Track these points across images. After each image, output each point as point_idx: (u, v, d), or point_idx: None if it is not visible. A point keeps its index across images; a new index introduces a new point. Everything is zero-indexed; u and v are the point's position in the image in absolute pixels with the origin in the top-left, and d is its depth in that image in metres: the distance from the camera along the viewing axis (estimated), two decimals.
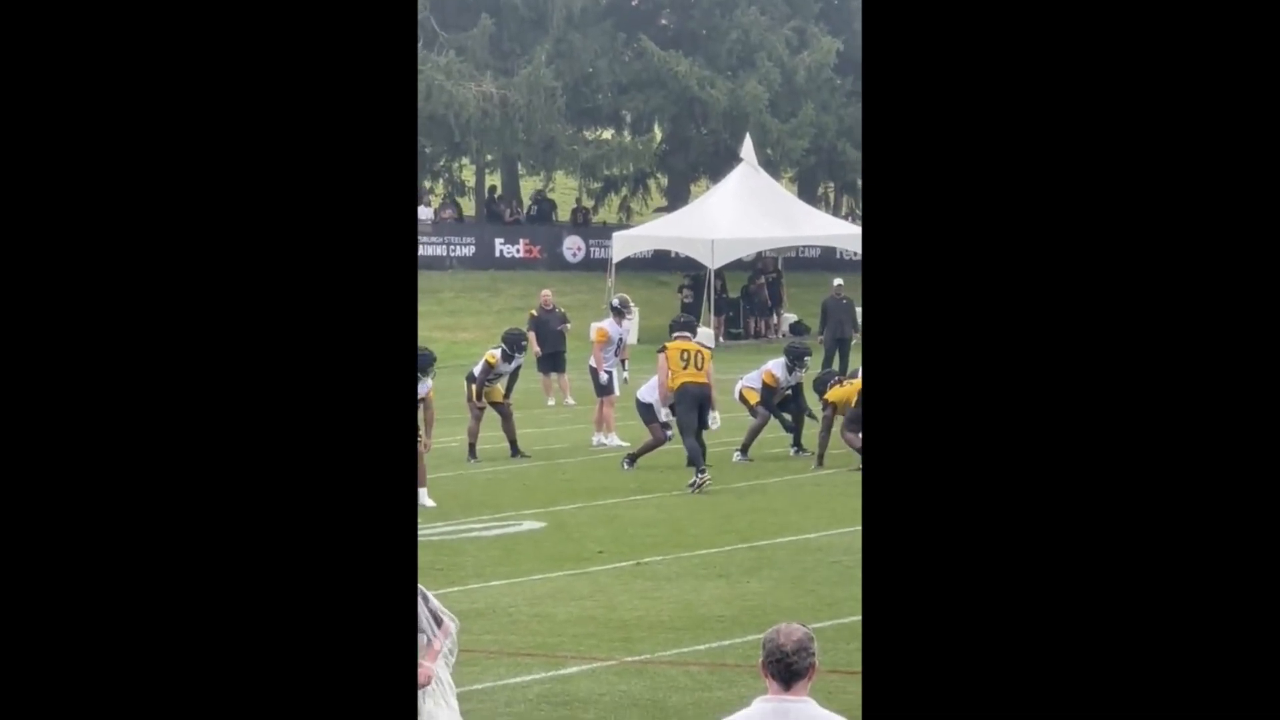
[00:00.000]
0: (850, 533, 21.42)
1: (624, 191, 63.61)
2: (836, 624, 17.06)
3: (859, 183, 61.13)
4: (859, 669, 15.03)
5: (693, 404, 25.46)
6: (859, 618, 16.94)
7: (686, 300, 50.20)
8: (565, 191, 64.00)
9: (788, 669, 7.71)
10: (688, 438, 25.27)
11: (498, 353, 28.09)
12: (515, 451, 28.16)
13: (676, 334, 26.60)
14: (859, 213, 60.52)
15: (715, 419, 26.00)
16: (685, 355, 25.66)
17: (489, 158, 62.67)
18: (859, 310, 34.07)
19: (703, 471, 24.66)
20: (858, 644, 16.09)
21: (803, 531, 21.88)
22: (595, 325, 32.52)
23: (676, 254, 51.16)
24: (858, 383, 26.43)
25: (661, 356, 25.88)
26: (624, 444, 28.64)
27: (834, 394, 26.22)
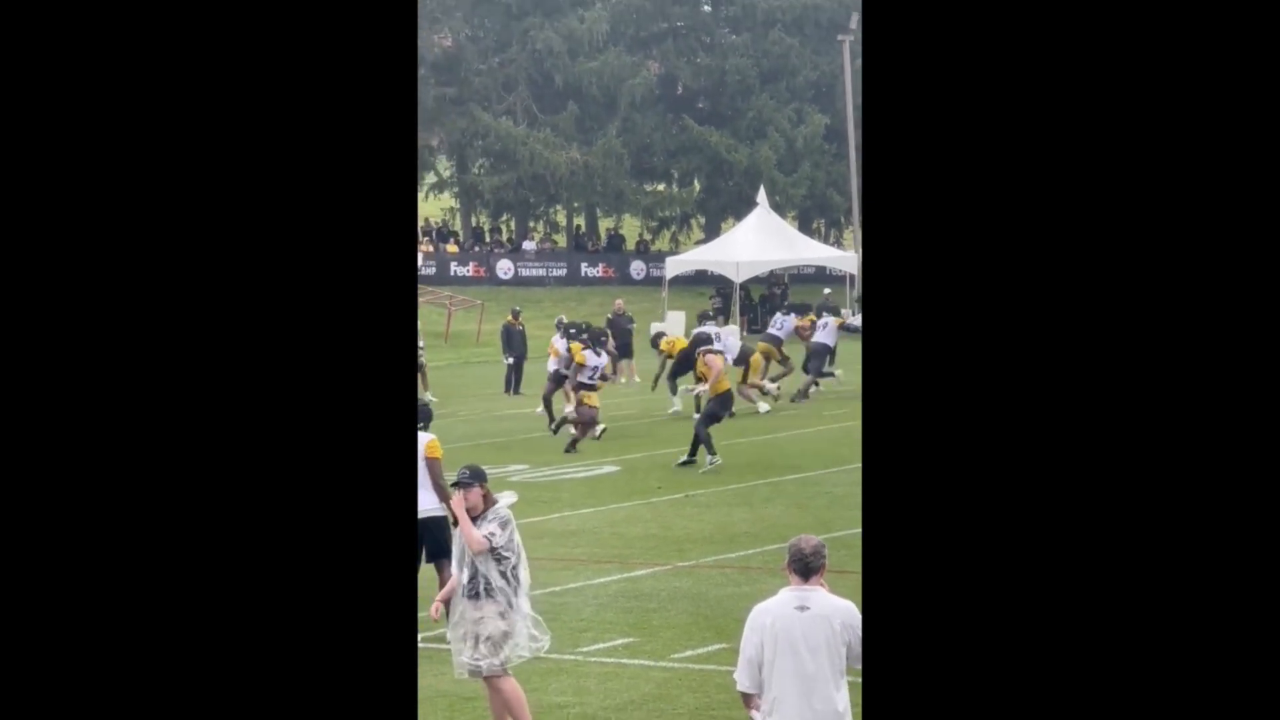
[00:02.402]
0: (840, 470, 21.35)
1: (673, 228, 63.61)
2: (829, 537, 16.96)
3: (842, 219, 61.04)
4: (846, 569, 14.90)
5: (724, 406, 23.24)
6: (847, 532, 16.88)
7: (716, 305, 50.01)
8: (631, 228, 64.01)
9: (806, 566, 7.78)
10: (705, 427, 22.46)
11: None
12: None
13: (707, 347, 24.07)
14: (843, 241, 60.31)
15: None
16: (726, 364, 23.80)
17: (575, 205, 62.75)
18: (844, 314, 33.83)
19: (713, 456, 22.19)
20: (847, 552, 16.01)
21: (806, 470, 21.75)
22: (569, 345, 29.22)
23: (712, 272, 51.04)
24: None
25: (715, 358, 23.19)
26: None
27: None
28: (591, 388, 25.07)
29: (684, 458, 22.52)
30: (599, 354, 25.54)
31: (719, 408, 22.98)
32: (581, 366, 25.00)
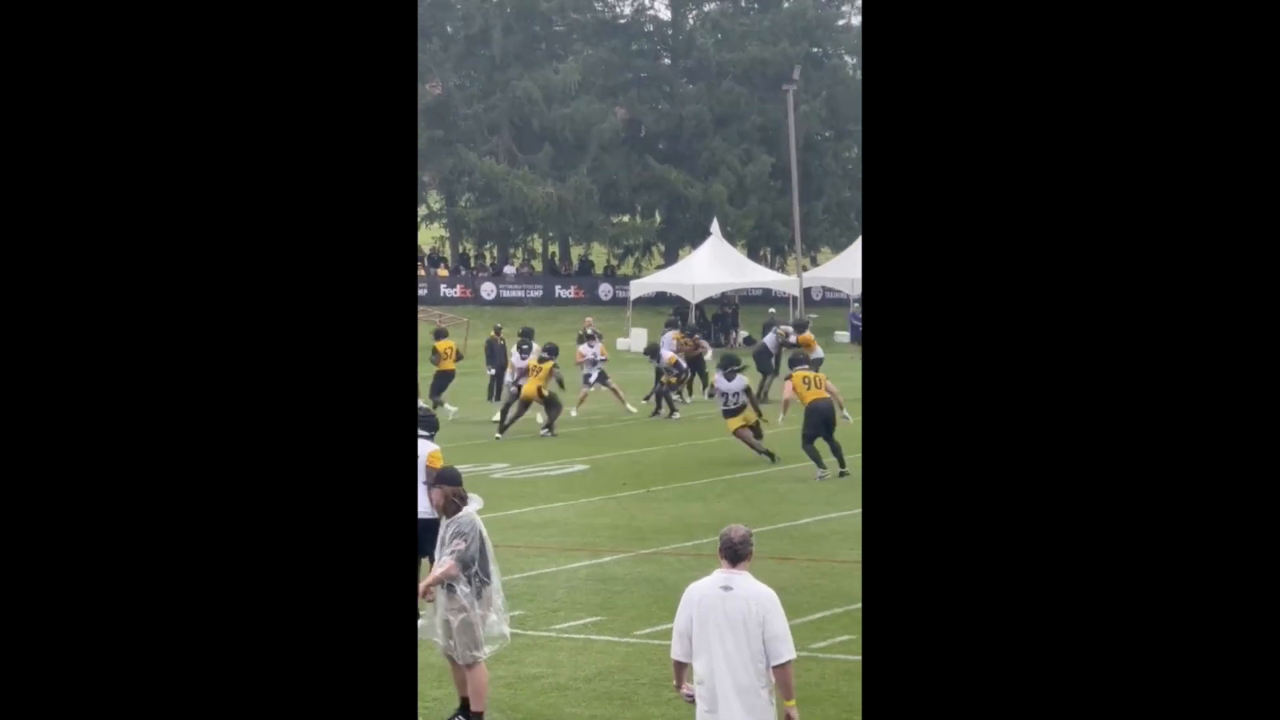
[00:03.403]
0: (784, 469, 21.37)
1: (637, 255, 63.56)
2: (774, 528, 17.02)
3: (786, 247, 61.09)
4: (788, 556, 14.89)
5: (819, 418, 20.71)
6: (789, 524, 16.90)
7: (670, 324, 49.75)
8: (600, 255, 63.96)
9: (734, 553, 7.85)
10: (808, 445, 20.71)
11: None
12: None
13: (796, 367, 21.78)
14: (786, 267, 60.28)
15: (847, 417, 21.57)
16: (806, 380, 21.20)
17: (550, 234, 62.68)
18: (770, 333, 34.21)
19: (823, 469, 20.56)
20: (789, 541, 16.07)
21: (754, 469, 21.72)
22: (577, 349, 31.42)
23: (670, 294, 51.08)
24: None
25: (788, 383, 21.48)
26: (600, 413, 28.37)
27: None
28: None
29: (840, 470, 20.44)
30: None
31: (815, 419, 20.75)
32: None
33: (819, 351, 31.63)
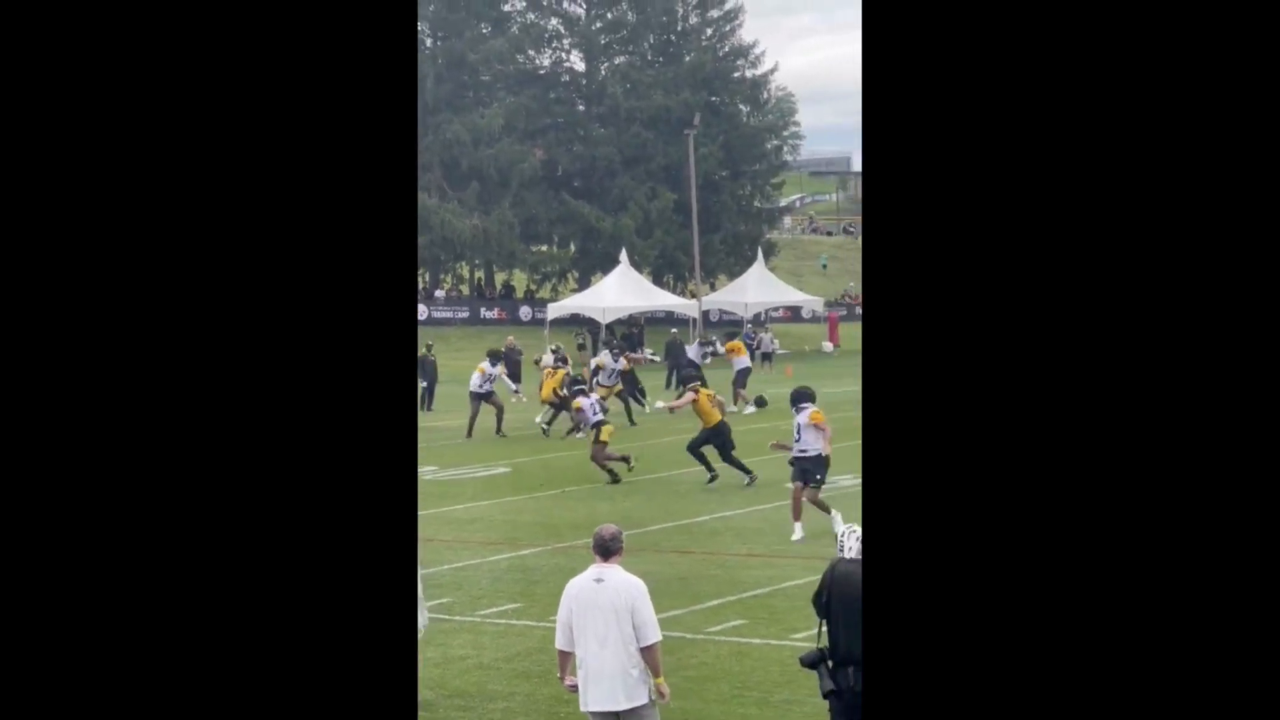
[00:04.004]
0: (685, 472, 21.42)
1: (553, 280, 63.43)
2: (676, 525, 17.12)
3: (687, 274, 61.29)
4: (688, 550, 14.99)
5: (721, 439, 19.99)
6: (690, 520, 17.00)
7: (581, 344, 49.50)
8: (520, 281, 63.78)
9: (606, 549, 7.96)
10: (697, 450, 20.23)
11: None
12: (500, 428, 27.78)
13: (693, 384, 21.34)
14: (687, 291, 60.50)
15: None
16: (711, 399, 20.39)
17: (476, 261, 62.46)
18: (688, 347, 34.58)
19: (714, 473, 20.05)
20: (688, 536, 16.15)
21: (657, 472, 21.79)
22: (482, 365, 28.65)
23: (583, 315, 51.05)
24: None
25: (691, 394, 20.53)
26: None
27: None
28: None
29: (751, 477, 19.82)
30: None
31: (715, 438, 20.03)
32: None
33: (745, 360, 31.96)
